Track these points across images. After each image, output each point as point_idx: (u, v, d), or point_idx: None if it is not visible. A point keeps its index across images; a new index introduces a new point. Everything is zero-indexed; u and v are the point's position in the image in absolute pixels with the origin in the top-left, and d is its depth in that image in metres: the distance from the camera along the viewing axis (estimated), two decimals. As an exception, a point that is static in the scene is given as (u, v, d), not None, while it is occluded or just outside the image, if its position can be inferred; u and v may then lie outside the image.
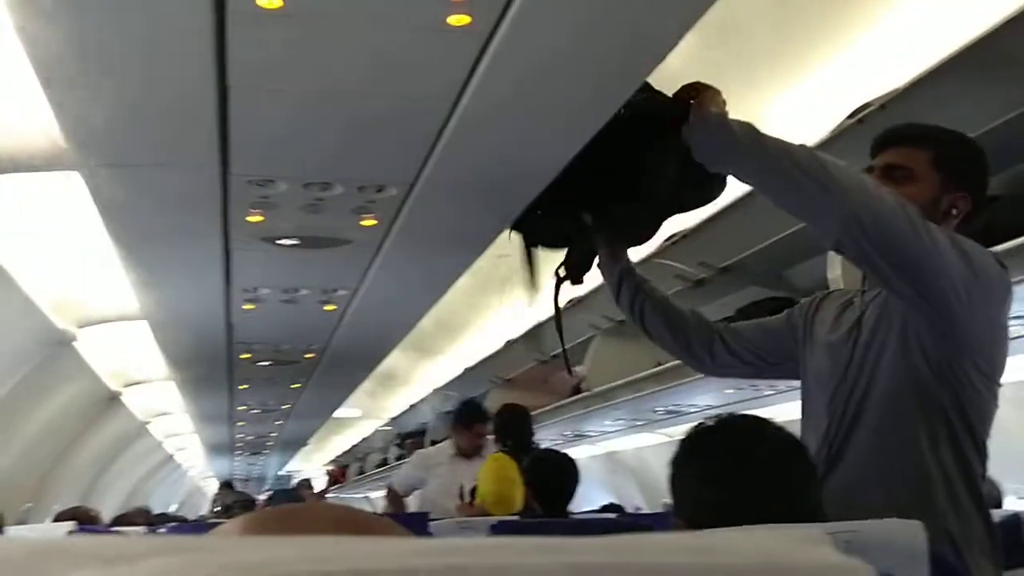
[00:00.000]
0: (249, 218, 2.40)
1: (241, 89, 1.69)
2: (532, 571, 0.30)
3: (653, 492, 6.04)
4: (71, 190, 2.72)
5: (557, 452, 3.43)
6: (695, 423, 1.36)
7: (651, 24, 1.53)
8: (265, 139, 1.94)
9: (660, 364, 3.99)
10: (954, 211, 1.62)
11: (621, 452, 6.53)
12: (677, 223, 3.27)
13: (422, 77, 1.65)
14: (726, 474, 1.26)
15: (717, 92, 1.73)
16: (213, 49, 1.55)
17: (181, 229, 2.55)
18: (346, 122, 1.84)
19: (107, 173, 2.19)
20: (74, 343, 3.81)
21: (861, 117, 2.22)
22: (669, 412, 4.78)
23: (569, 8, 1.46)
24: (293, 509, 0.48)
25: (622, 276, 2.01)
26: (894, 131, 1.72)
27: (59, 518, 3.79)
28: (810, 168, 1.52)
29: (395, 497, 4.57)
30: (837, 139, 2.28)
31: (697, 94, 1.72)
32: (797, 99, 2.50)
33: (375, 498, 13.17)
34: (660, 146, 1.79)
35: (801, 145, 1.60)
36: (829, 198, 1.50)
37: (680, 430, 5.32)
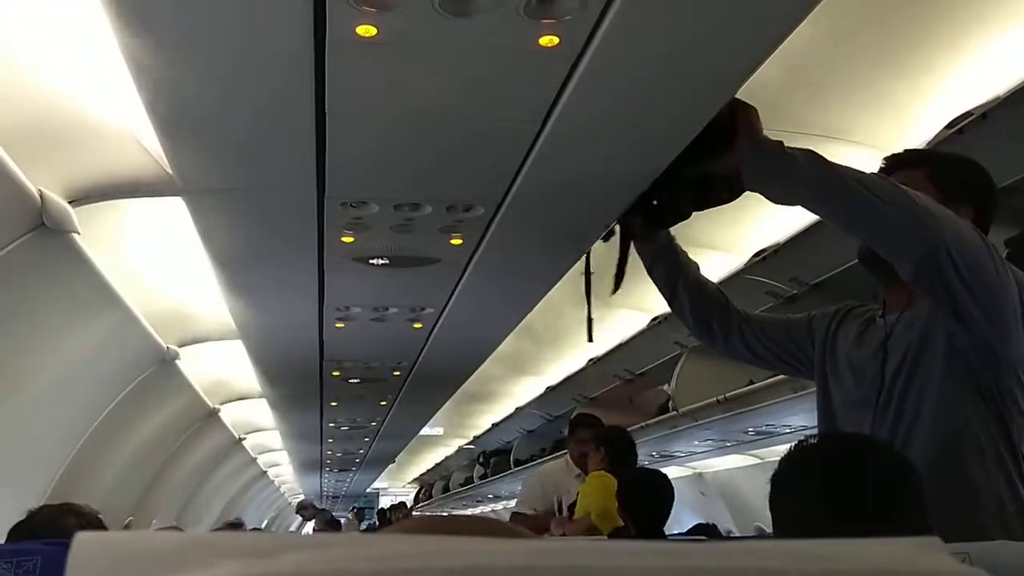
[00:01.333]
0: (342, 239, 2.47)
1: (338, 115, 1.75)
2: (654, 574, 0.31)
3: (744, 515, 5.92)
4: (173, 214, 2.84)
5: (653, 471, 3.38)
6: (794, 442, 1.34)
7: (740, 40, 1.52)
8: (359, 162, 1.99)
9: (752, 383, 3.92)
10: None
11: (710, 473, 6.42)
12: (766, 238, 3.23)
13: (513, 98, 1.67)
14: (831, 494, 1.23)
15: (754, 111, 1.72)
16: (312, 76, 1.61)
17: (277, 251, 2.63)
18: (438, 144, 1.88)
19: (208, 198, 2.28)
20: (177, 361, 3.95)
21: (961, 127, 2.16)
22: (761, 433, 4.69)
23: (657, 27, 1.46)
24: (435, 519, 0.50)
25: (660, 250, 2.04)
26: (891, 158, 1.74)
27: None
28: (894, 197, 1.51)
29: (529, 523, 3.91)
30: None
31: (736, 113, 1.72)
32: (893, 108, 2.44)
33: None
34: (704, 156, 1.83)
35: (873, 173, 1.60)
36: (917, 227, 1.50)
37: (773, 451, 5.22)
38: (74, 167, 2.31)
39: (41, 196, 2.23)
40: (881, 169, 1.72)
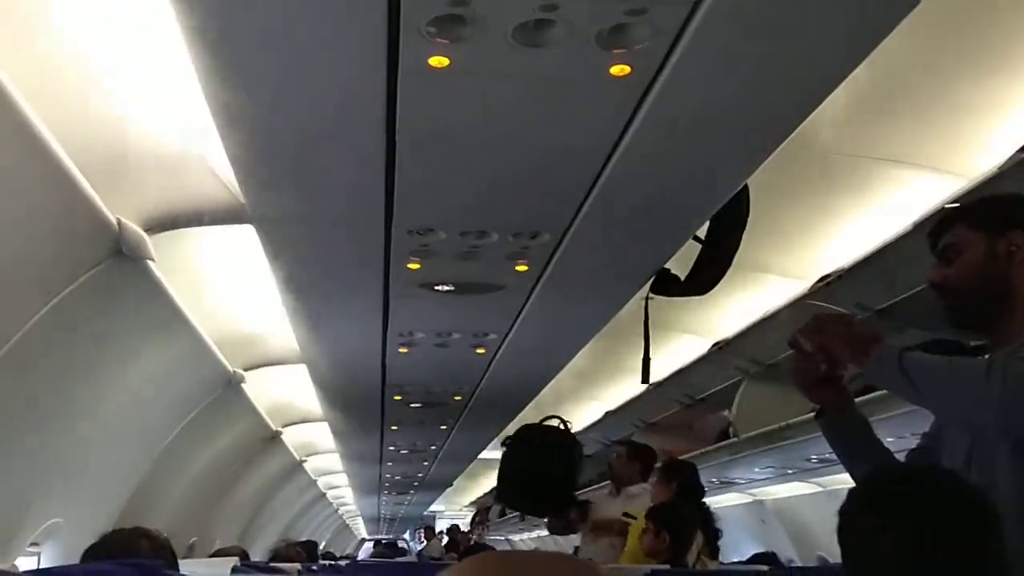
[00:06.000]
0: (408, 266, 2.50)
1: (407, 142, 1.78)
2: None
3: (806, 544, 5.80)
4: (241, 241, 2.90)
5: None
6: (870, 472, 1.32)
7: (807, 72, 1.52)
8: (427, 190, 2.02)
9: (815, 410, 3.85)
10: (1013, 249, 1.52)
11: (770, 501, 6.31)
12: (831, 263, 3.18)
13: (583, 127, 1.68)
14: (906, 526, 1.21)
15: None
16: (384, 105, 1.63)
17: (344, 277, 2.68)
18: (508, 172, 1.90)
19: (278, 226, 2.33)
20: (242, 384, 4.02)
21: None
22: (824, 461, 4.59)
23: (727, 57, 1.46)
24: (510, 554, 0.51)
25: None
26: (931, 237, 1.65)
27: (216, 555, 3.98)
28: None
29: None
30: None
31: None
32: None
33: (516, 540, 13.17)
34: None
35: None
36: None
37: (836, 480, 5.09)
38: (150, 196, 2.38)
39: (119, 224, 2.30)
40: (933, 229, 1.67)
